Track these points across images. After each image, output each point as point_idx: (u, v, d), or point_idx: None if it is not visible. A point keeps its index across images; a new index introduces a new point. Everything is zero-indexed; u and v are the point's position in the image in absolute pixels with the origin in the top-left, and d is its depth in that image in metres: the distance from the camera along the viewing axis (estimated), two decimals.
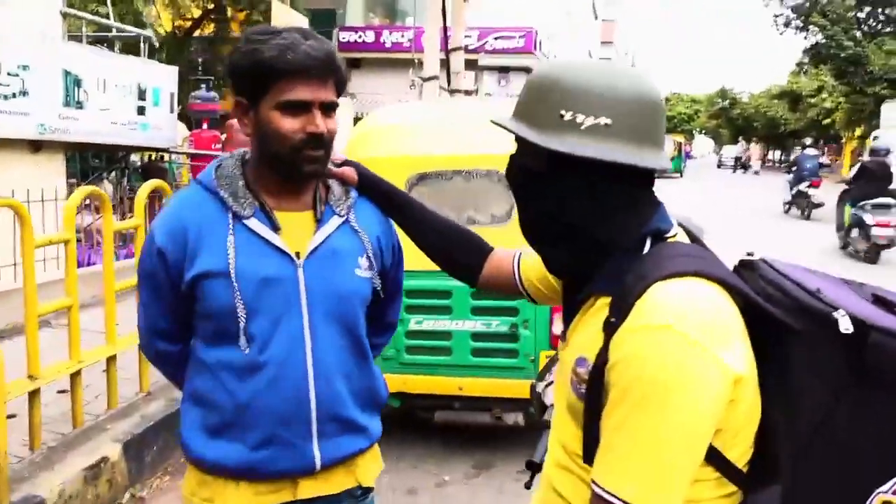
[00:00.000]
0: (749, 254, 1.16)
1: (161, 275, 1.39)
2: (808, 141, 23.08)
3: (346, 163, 1.51)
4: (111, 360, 3.44)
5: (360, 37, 21.77)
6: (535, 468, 1.57)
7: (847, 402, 0.95)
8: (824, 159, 22.41)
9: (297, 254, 1.38)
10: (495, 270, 1.48)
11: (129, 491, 3.29)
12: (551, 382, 1.97)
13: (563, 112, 1.01)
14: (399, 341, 3.45)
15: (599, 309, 1.05)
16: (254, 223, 1.37)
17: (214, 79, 10.59)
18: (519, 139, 1.10)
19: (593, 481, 0.99)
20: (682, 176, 32.07)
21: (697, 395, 0.92)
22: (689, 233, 1.14)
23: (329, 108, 1.34)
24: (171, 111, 7.54)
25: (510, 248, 4.11)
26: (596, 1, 44.07)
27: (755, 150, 37.01)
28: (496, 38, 21.54)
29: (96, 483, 3.10)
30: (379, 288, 1.49)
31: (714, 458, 0.99)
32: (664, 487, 0.94)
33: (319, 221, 1.42)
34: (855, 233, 10.15)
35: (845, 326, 0.93)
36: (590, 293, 1.08)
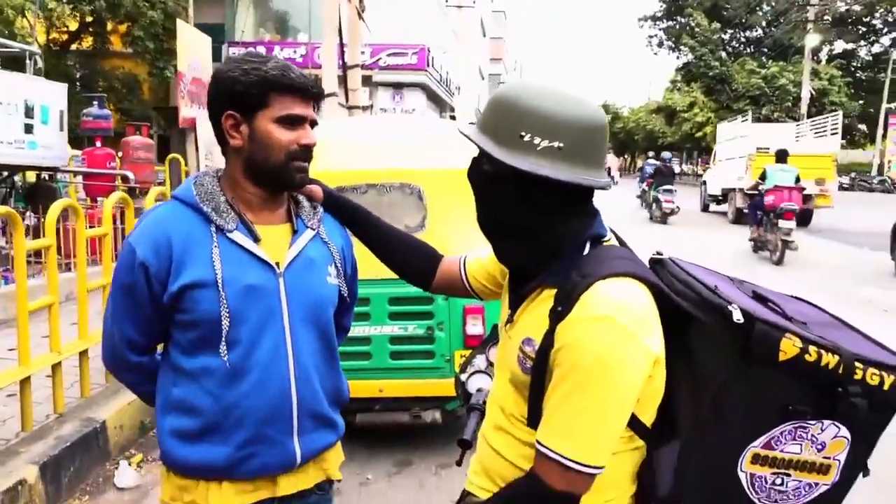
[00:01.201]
0: (658, 253, 1.40)
1: (141, 287, 1.44)
2: (651, 153, 26.93)
3: (312, 181, 1.64)
4: (25, 381, 3.38)
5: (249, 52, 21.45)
6: (465, 445, 1.78)
7: (736, 376, 1.22)
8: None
9: (277, 263, 1.48)
10: (445, 275, 1.67)
11: None
12: (475, 372, 2.19)
13: (522, 133, 1.20)
14: None
15: (545, 299, 1.27)
16: (237, 236, 1.46)
17: (105, 95, 10.19)
18: (481, 149, 1.29)
19: (539, 442, 1.20)
20: None
21: (629, 374, 1.16)
22: (617, 237, 1.37)
23: (314, 125, 1.51)
24: (62, 129, 7.29)
25: None
26: (484, 19, 45.32)
27: (613, 160, 39.89)
28: (389, 55, 21.84)
29: None
30: (346, 294, 1.63)
31: (631, 420, 1.23)
32: (598, 446, 1.18)
33: (295, 233, 1.53)
34: (654, 206, 17.66)
35: (737, 317, 1.18)
36: (537, 285, 1.29)
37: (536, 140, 1.20)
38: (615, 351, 1.15)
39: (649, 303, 1.22)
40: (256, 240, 1.47)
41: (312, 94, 1.48)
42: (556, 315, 1.20)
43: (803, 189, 12.12)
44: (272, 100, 1.43)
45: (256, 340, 1.46)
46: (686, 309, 1.25)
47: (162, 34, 18.28)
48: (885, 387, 1.20)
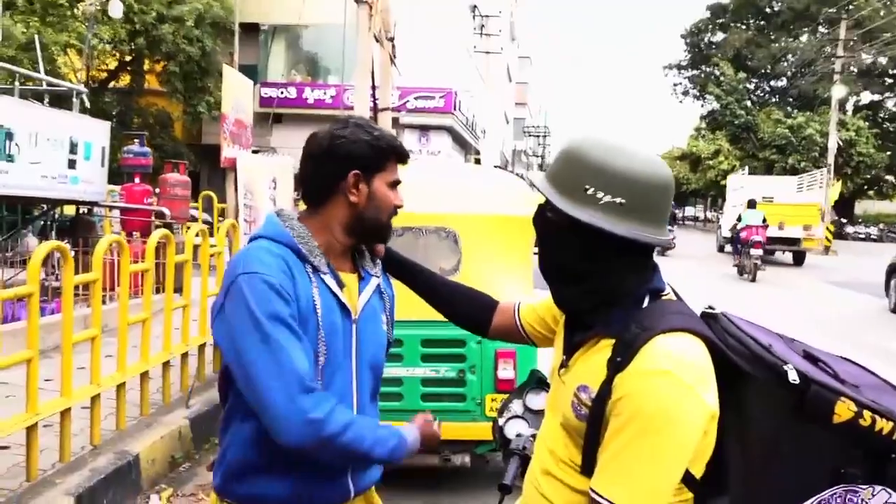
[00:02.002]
0: (710, 307, 1.43)
1: (290, 310, 1.42)
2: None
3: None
4: (65, 413, 3.45)
5: (281, 92, 22.01)
6: (506, 490, 1.80)
7: (787, 435, 1.25)
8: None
9: (353, 309, 1.58)
10: (501, 321, 1.74)
11: None
12: (511, 417, 2.21)
13: (587, 187, 1.26)
14: None
15: (602, 348, 1.30)
16: (328, 279, 1.53)
17: (148, 134, 10.51)
18: (546, 199, 1.34)
19: (594, 490, 1.23)
20: None
21: (686, 427, 1.19)
22: (675, 292, 1.40)
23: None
24: (102, 165, 7.52)
25: None
26: (509, 64, 46.01)
27: None
28: (416, 98, 22.23)
29: None
30: (392, 340, 1.74)
31: (684, 473, 1.26)
32: (653, 497, 1.20)
33: (362, 281, 1.63)
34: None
35: (793, 378, 1.22)
36: (595, 334, 1.33)
37: (599, 195, 1.25)
38: (674, 404, 1.18)
39: (706, 358, 1.25)
40: (341, 286, 1.56)
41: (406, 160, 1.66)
42: (616, 365, 1.23)
43: (767, 226, 16.60)
44: (388, 166, 1.59)
45: (331, 379, 1.53)
46: (741, 365, 1.27)
47: (196, 72, 18.84)
48: None
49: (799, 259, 20.93)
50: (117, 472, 3.63)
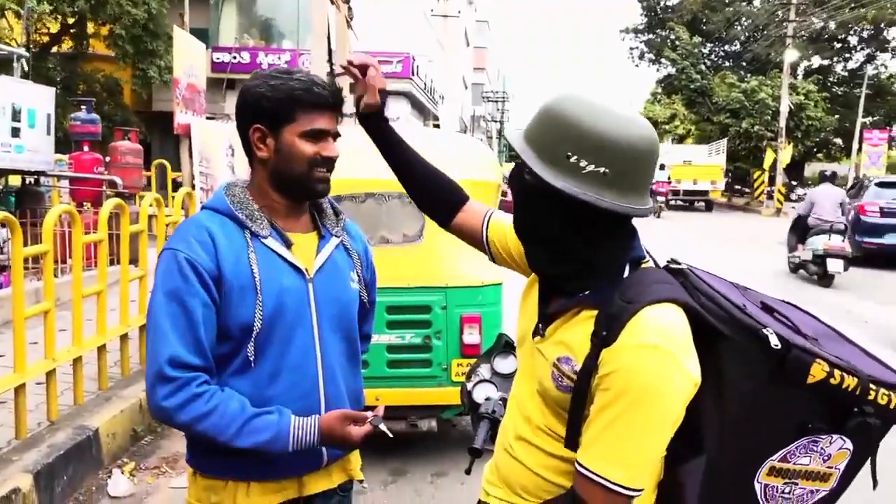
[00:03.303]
0: (673, 260, 1.41)
1: (194, 288, 1.42)
2: None
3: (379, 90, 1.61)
4: (19, 389, 3.35)
5: (234, 57, 21.40)
6: (476, 454, 1.80)
7: (763, 394, 1.26)
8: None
9: (307, 269, 1.55)
10: (466, 220, 1.65)
11: None
12: (480, 381, 2.21)
13: (569, 154, 1.19)
14: None
15: (584, 319, 1.27)
16: (270, 242, 1.52)
17: (93, 100, 10.07)
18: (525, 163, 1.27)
19: (581, 464, 1.22)
20: None
21: (674, 399, 1.19)
22: (652, 258, 1.38)
23: (336, 137, 1.57)
24: (48, 133, 7.23)
25: (423, 265, 4.33)
26: (467, 29, 45.55)
27: None
28: None
29: None
30: (366, 299, 1.69)
31: None
32: (643, 470, 1.21)
33: (322, 240, 1.61)
34: None
35: (775, 343, 1.22)
36: (575, 304, 1.30)
37: (583, 163, 1.18)
38: (663, 377, 1.18)
39: (687, 327, 1.24)
40: (289, 245, 1.53)
41: (335, 107, 1.54)
42: (601, 339, 1.21)
43: (669, 181, 26.94)
44: (298, 115, 1.49)
45: (288, 343, 1.51)
46: (717, 327, 1.28)
47: (144, 35, 18.13)
48: (892, 406, 1.27)
49: (709, 207, 28.93)
50: (77, 448, 3.55)
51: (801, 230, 10.78)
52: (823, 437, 1.29)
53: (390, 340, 3.67)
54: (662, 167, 26.34)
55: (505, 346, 2.16)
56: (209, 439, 1.44)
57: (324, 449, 1.57)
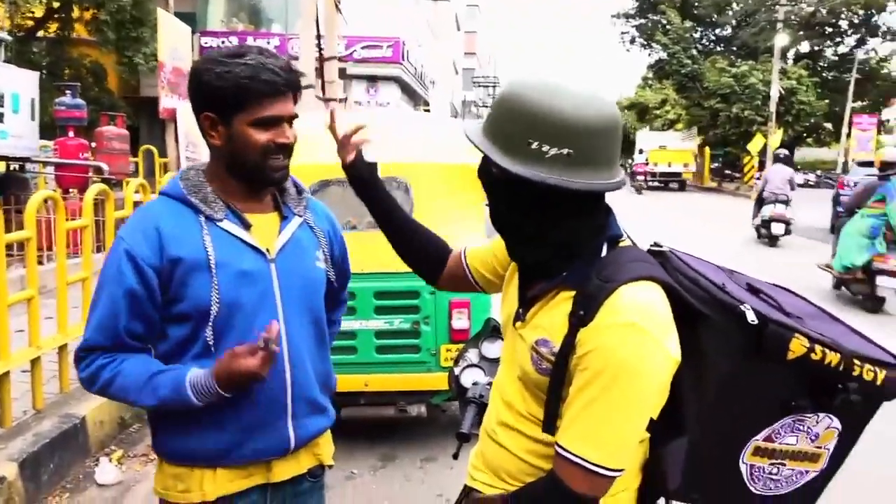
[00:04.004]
0: (656, 244, 1.41)
1: (126, 278, 1.44)
2: None
3: (358, 155, 1.65)
4: (4, 377, 3.31)
5: (222, 42, 21.15)
6: (463, 438, 1.79)
7: (742, 371, 1.25)
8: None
9: (268, 250, 1.52)
10: (450, 270, 1.66)
11: None
12: (468, 366, 2.20)
13: (531, 141, 1.17)
14: None
15: (562, 301, 1.26)
16: (226, 224, 1.49)
17: (80, 86, 9.89)
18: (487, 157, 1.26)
19: (561, 446, 1.21)
20: None
21: (653, 379, 1.18)
22: (629, 237, 1.37)
23: (292, 119, 1.51)
24: (33, 118, 7.13)
25: None
26: (458, 13, 45.25)
27: None
28: (364, 48, 21.69)
29: None
30: (333, 278, 1.67)
31: None
32: (622, 450, 1.20)
33: (284, 220, 1.57)
34: None
35: (751, 318, 1.21)
36: (553, 286, 1.28)
37: (545, 148, 1.17)
38: (641, 357, 1.16)
39: (667, 306, 1.23)
40: (247, 227, 1.51)
41: (288, 90, 1.47)
42: (579, 319, 1.20)
43: (647, 163, 31.11)
44: (247, 104, 1.43)
45: (251, 326, 1.47)
46: (697, 306, 1.27)
47: (129, 21, 17.88)
48: (878, 382, 1.25)
49: (682, 186, 32.69)
50: (63, 436, 3.53)
51: (759, 203, 12.78)
52: (809, 415, 1.28)
53: (379, 326, 3.66)
54: (641, 151, 31.87)
55: (493, 331, 2.14)
56: (122, 400, 1.51)
57: (290, 434, 1.55)
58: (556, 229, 1.25)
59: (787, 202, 12.18)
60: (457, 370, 2.29)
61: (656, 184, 32.66)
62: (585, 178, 1.18)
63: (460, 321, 3.67)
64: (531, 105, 1.18)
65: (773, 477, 1.32)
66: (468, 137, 1.28)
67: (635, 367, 1.16)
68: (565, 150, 1.17)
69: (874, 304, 7.31)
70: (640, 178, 30.16)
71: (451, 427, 4.08)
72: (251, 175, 1.50)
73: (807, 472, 1.33)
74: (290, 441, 1.56)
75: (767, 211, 12.31)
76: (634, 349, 1.16)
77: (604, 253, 1.28)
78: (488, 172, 1.29)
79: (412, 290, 3.63)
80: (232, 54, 1.45)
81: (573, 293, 1.24)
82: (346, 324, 3.60)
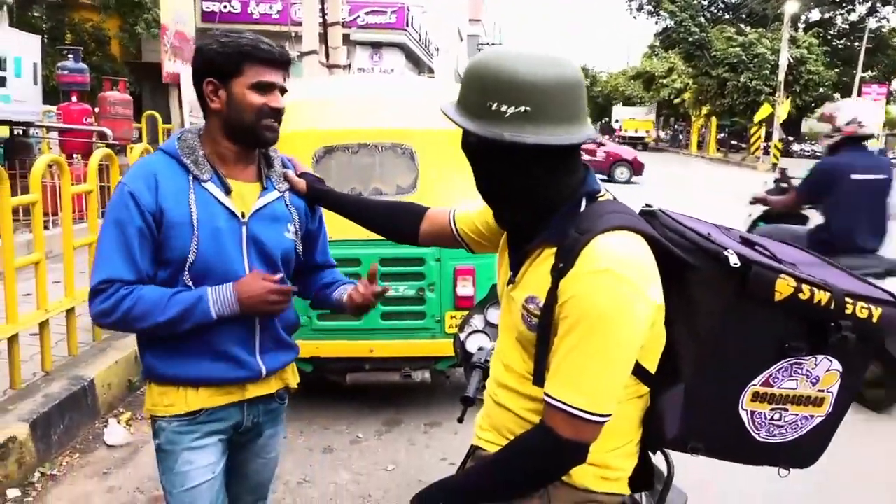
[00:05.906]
0: (647, 205, 1.44)
1: (135, 218, 1.62)
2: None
3: (303, 174, 1.87)
4: (13, 339, 3.35)
5: (224, 6, 20.91)
6: (468, 402, 1.82)
7: (734, 318, 1.27)
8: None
9: (243, 213, 1.72)
10: (432, 227, 1.74)
11: (39, 469, 3.24)
12: (473, 332, 2.22)
13: (490, 103, 1.22)
14: (311, 309, 3.60)
15: (546, 258, 1.29)
16: (210, 186, 1.69)
17: (80, 49, 9.78)
18: (456, 123, 1.30)
19: (547, 394, 1.23)
20: None
21: (632, 323, 1.19)
22: (609, 192, 1.39)
23: (283, 91, 1.72)
24: (35, 83, 7.08)
25: None
26: None
27: None
28: (368, 13, 21.41)
29: (5, 463, 3.06)
30: (300, 251, 1.86)
31: (635, 368, 1.28)
32: (605, 395, 1.22)
33: (264, 190, 1.77)
34: None
35: (734, 262, 1.23)
36: (537, 245, 1.32)
37: (503, 108, 1.22)
38: (618, 302, 1.18)
39: (647, 253, 1.25)
40: (228, 191, 1.70)
41: (282, 63, 1.70)
42: (559, 271, 1.23)
43: (620, 129, 42.55)
44: (246, 69, 1.65)
45: (223, 278, 1.68)
46: (682, 256, 1.29)
47: None
48: (874, 319, 1.27)
49: (645, 147, 39.14)
50: (72, 398, 3.58)
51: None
52: (806, 358, 1.29)
53: None
54: (617, 121, 43.24)
55: (498, 297, 2.16)
56: (148, 328, 1.64)
57: (261, 366, 1.78)
58: (533, 188, 1.29)
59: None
60: (462, 336, 2.31)
61: (625, 144, 36.42)
62: (546, 134, 1.22)
63: (465, 288, 3.69)
64: (489, 70, 1.24)
65: (777, 423, 1.33)
66: (442, 111, 1.34)
67: (612, 313, 1.18)
68: (522, 108, 1.21)
69: None
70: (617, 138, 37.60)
71: (455, 392, 4.12)
72: (246, 135, 1.69)
73: (812, 416, 1.34)
74: (260, 370, 1.79)
75: None
76: (610, 295, 1.18)
77: (583, 208, 1.31)
78: (467, 142, 1.34)
79: (417, 256, 3.64)
80: (234, 32, 1.70)
81: (555, 249, 1.27)
82: None
